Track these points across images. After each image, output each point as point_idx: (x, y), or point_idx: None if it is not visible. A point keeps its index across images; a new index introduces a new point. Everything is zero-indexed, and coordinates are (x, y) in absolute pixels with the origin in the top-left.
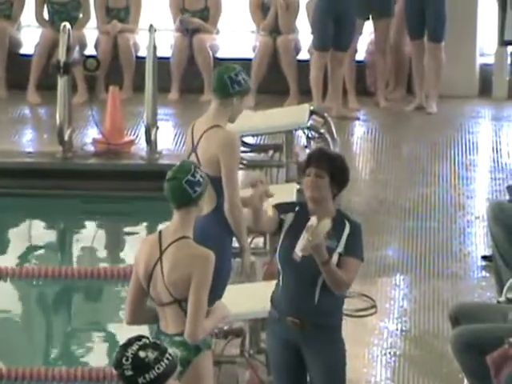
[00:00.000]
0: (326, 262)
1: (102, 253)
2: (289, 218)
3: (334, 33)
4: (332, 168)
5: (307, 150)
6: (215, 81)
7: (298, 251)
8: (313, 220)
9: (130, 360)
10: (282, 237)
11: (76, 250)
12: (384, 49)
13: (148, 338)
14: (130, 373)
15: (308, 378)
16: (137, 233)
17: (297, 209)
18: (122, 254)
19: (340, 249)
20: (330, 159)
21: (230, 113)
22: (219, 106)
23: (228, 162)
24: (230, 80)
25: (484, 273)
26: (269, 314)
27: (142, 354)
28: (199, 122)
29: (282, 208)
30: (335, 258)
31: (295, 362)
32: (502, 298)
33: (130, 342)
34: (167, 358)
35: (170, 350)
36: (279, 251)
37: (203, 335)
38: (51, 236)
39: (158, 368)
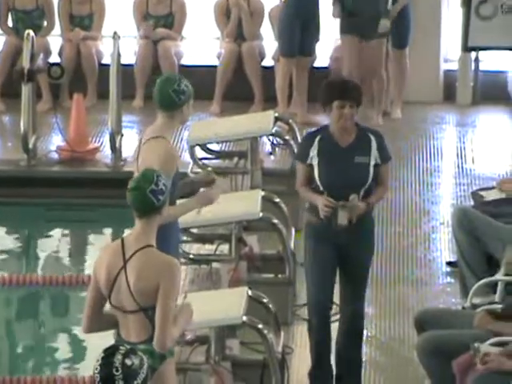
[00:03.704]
0: (370, 208)
1: (67, 260)
2: None
3: (300, 38)
4: (358, 96)
5: (272, 157)
6: (159, 96)
7: (342, 222)
8: (352, 198)
9: (120, 370)
10: (316, 166)
11: (41, 258)
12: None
13: (122, 344)
14: (121, 382)
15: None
16: (101, 240)
17: (319, 137)
18: (86, 262)
19: (374, 161)
20: (354, 89)
21: (180, 121)
22: (167, 118)
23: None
24: (174, 93)
25: (449, 279)
26: None
27: (128, 361)
28: (147, 130)
29: (309, 136)
30: (371, 170)
31: None
32: (467, 304)
33: (111, 352)
34: (145, 360)
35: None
36: (320, 178)
37: (172, 343)
38: (15, 243)
39: (143, 371)
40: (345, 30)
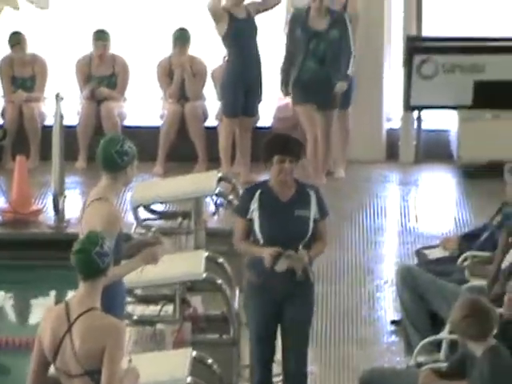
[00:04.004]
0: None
1: (10, 322)
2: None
3: (243, 98)
4: (298, 151)
5: (215, 217)
6: (103, 157)
7: (280, 268)
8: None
9: None
10: (257, 219)
11: None
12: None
13: None
14: None
15: None
16: (45, 302)
17: (259, 191)
18: (30, 324)
19: (313, 216)
20: (294, 144)
21: (123, 182)
22: (111, 179)
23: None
24: (118, 154)
25: (393, 337)
26: None
27: None
28: (92, 191)
29: (249, 191)
30: (311, 224)
31: None
32: (412, 363)
33: None
34: None
35: None
36: (261, 232)
37: None
38: None
39: None
40: (299, 99)
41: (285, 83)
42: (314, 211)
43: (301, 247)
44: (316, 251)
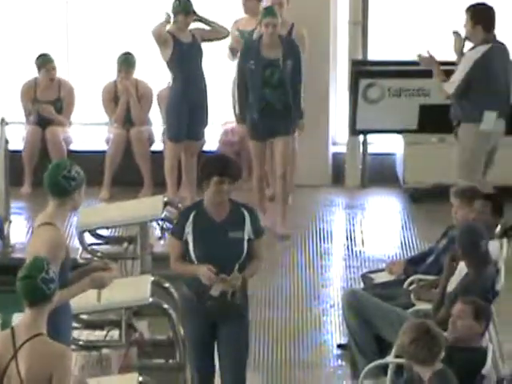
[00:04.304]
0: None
1: None
2: None
3: (188, 122)
4: (236, 173)
5: (162, 242)
6: (50, 183)
7: (214, 293)
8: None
9: None
10: (191, 241)
11: None
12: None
13: None
14: None
15: None
16: None
17: (193, 213)
18: None
19: (248, 236)
20: (233, 166)
21: (71, 207)
22: (58, 205)
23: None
24: (65, 179)
25: (340, 361)
26: None
27: None
28: (39, 216)
29: (184, 213)
30: (245, 245)
31: None
32: None
33: None
34: None
35: None
36: (195, 253)
37: None
38: None
39: None
40: (252, 135)
41: (241, 117)
42: (248, 231)
43: (237, 267)
44: (251, 271)
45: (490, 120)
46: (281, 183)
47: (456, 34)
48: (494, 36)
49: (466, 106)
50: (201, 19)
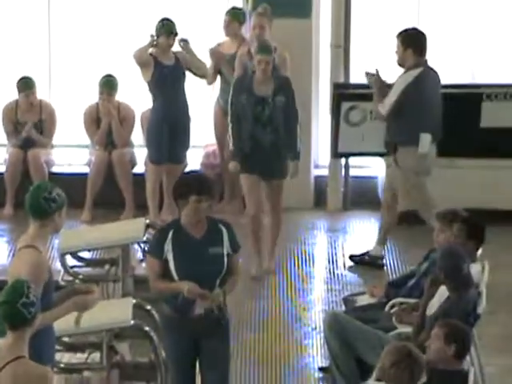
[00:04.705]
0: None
1: None
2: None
3: (169, 145)
4: (214, 191)
5: (143, 264)
6: (30, 205)
7: (200, 311)
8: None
9: None
10: (172, 259)
11: None
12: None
13: None
14: None
15: None
16: None
17: (172, 231)
18: None
19: (227, 251)
20: (211, 184)
21: (52, 229)
22: (39, 227)
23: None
24: (45, 201)
25: None
26: None
27: None
28: (21, 238)
29: (161, 231)
30: (225, 260)
31: None
32: None
33: None
34: None
35: None
36: (177, 271)
37: None
38: None
39: None
40: (244, 169)
41: (236, 153)
42: (226, 247)
43: (218, 282)
44: (231, 286)
45: (426, 142)
46: (271, 231)
47: (367, 74)
48: (426, 61)
49: (403, 129)
50: (183, 46)
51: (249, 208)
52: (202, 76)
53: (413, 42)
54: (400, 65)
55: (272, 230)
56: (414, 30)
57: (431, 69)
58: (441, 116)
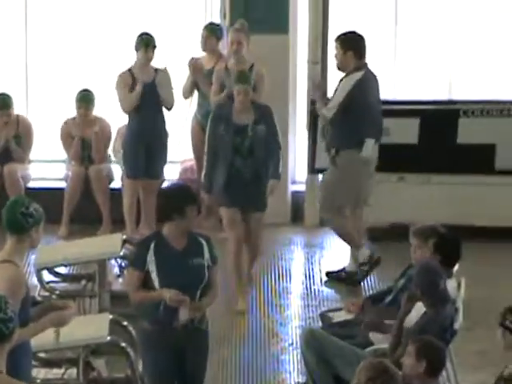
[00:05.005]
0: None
1: None
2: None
3: (145, 160)
4: (198, 201)
5: (120, 280)
6: (7, 220)
7: (183, 318)
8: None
9: None
10: (154, 270)
11: None
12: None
13: None
14: None
15: None
16: None
17: (153, 242)
18: None
19: (208, 263)
20: (195, 196)
21: (29, 244)
22: (16, 242)
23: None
24: (22, 216)
25: None
26: None
27: None
28: None
29: (143, 243)
30: (206, 271)
31: None
32: None
33: None
34: None
35: None
36: (159, 282)
37: None
38: None
39: None
40: (223, 202)
41: (207, 186)
42: (207, 259)
43: (198, 293)
44: (210, 299)
45: (369, 147)
46: (251, 254)
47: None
48: (366, 64)
49: (346, 133)
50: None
51: (232, 242)
52: (165, 106)
53: (352, 45)
54: (339, 69)
55: (250, 262)
56: (353, 33)
57: (371, 72)
58: (381, 119)
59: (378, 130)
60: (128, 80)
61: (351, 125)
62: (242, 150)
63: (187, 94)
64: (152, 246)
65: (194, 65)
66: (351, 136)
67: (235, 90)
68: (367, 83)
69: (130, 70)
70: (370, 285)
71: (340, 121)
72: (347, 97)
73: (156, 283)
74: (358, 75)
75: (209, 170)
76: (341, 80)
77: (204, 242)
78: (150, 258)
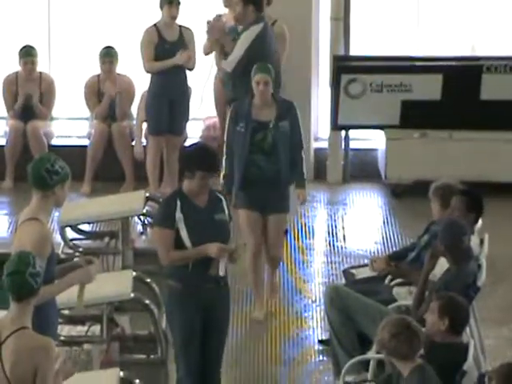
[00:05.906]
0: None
1: None
2: None
3: (169, 116)
4: (219, 166)
5: (143, 237)
6: (32, 176)
7: (221, 272)
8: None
9: None
10: (184, 227)
11: None
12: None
13: None
14: None
15: None
16: None
17: (178, 200)
18: None
19: (228, 218)
20: (216, 161)
21: (54, 202)
22: (41, 199)
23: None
24: (47, 172)
25: (321, 357)
26: None
27: None
28: (24, 211)
29: (169, 200)
30: (229, 226)
31: None
32: (340, 382)
33: None
34: None
35: None
36: (190, 239)
37: None
38: None
39: None
40: (242, 203)
41: (228, 187)
42: (227, 214)
43: None
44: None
45: None
46: (271, 264)
47: (208, 22)
48: (263, 16)
49: (249, 85)
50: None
51: (250, 242)
52: (187, 67)
53: None
54: (237, 20)
55: (271, 273)
56: None
57: (267, 23)
58: (280, 70)
59: (277, 81)
60: (154, 37)
61: (246, 78)
62: (263, 147)
63: (207, 50)
64: (178, 203)
65: (215, 26)
66: (246, 90)
67: (254, 80)
68: (266, 35)
69: (155, 25)
70: (393, 241)
71: (241, 74)
72: (248, 49)
73: (186, 240)
74: (258, 28)
75: (228, 171)
76: (240, 32)
77: (222, 198)
78: (179, 214)
